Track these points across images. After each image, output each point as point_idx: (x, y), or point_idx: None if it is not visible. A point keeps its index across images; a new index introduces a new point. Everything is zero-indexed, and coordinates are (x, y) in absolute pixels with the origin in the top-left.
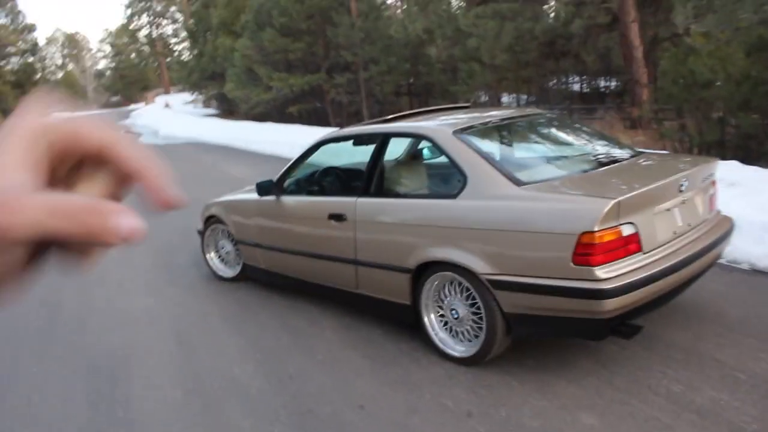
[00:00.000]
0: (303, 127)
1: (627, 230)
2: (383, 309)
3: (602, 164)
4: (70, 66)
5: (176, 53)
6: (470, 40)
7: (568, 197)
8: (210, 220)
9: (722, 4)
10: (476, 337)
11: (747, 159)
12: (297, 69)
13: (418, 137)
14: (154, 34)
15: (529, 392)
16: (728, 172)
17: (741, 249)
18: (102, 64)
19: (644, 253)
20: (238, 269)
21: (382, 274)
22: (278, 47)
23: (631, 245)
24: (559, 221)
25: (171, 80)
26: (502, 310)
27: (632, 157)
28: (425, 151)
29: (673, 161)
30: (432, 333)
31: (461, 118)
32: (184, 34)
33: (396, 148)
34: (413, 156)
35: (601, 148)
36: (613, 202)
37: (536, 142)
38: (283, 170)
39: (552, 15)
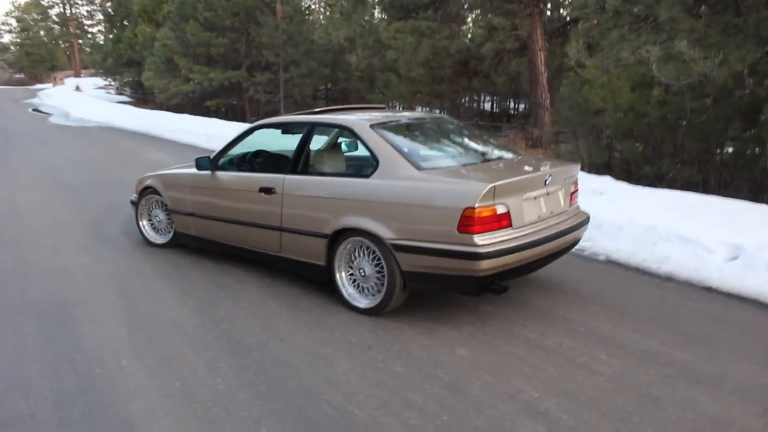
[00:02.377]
0: (221, 121)
1: (501, 209)
2: (302, 269)
3: (488, 160)
4: None
5: (89, 36)
6: (389, 52)
7: (456, 180)
8: (145, 191)
9: (607, 43)
10: (378, 291)
11: (629, 180)
12: (218, 64)
13: (340, 128)
14: (68, 12)
15: (418, 334)
16: (601, 184)
17: (599, 244)
18: (6, 38)
19: (513, 229)
20: (169, 236)
21: (303, 239)
22: (201, 41)
23: (503, 221)
24: (448, 198)
25: (83, 63)
26: (401, 269)
27: (514, 156)
28: (343, 145)
29: (545, 162)
30: (342, 288)
31: (378, 115)
32: (99, 16)
33: (320, 138)
34: (334, 144)
35: (490, 149)
36: (490, 185)
37: (438, 140)
38: (220, 149)
39: (468, 36)
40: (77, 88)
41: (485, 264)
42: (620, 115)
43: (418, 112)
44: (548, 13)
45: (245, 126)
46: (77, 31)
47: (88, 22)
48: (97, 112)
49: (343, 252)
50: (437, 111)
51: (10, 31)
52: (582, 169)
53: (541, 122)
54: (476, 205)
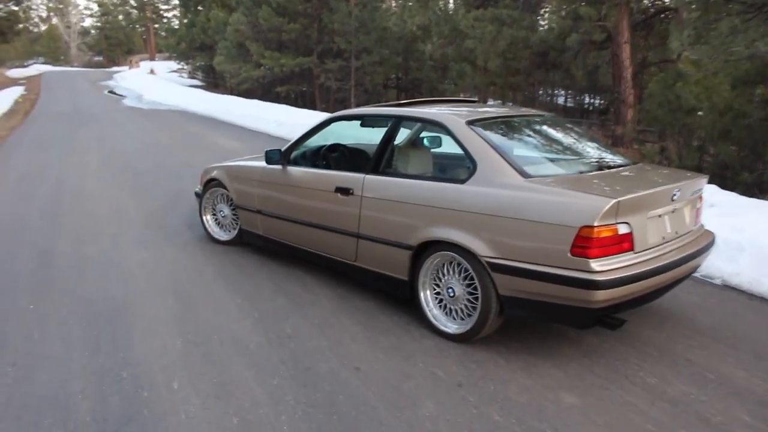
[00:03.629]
0: (291, 107)
1: (623, 229)
2: (380, 282)
3: (602, 168)
4: (54, 20)
5: (165, 20)
6: (467, 41)
7: (571, 192)
8: (210, 183)
9: (716, 35)
10: (469, 315)
11: (722, 187)
12: (289, 50)
13: (432, 124)
14: None
15: (515, 370)
16: (709, 194)
17: (715, 265)
18: (88, 22)
19: (635, 253)
20: (233, 234)
21: (383, 249)
22: (272, 26)
23: (624, 243)
24: (561, 214)
25: (157, 47)
26: (498, 292)
27: (631, 165)
28: (425, 140)
29: (668, 173)
30: (426, 309)
31: (472, 110)
32: (175, 1)
33: (403, 133)
34: (422, 141)
35: (601, 154)
36: (613, 201)
37: (543, 141)
38: (292, 142)
39: (546, 26)
40: (151, 72)
41: (602, 294)
42: (717, 114)
43: (514, 108)
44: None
45: (316, 115)
46: (153, 16)
47: (164, 7)
48: (168, 96)
49: (430, 267)
50: (510, 104)
51: (91, 16)
52: None
53: (624, 119)
54: (595, 224)
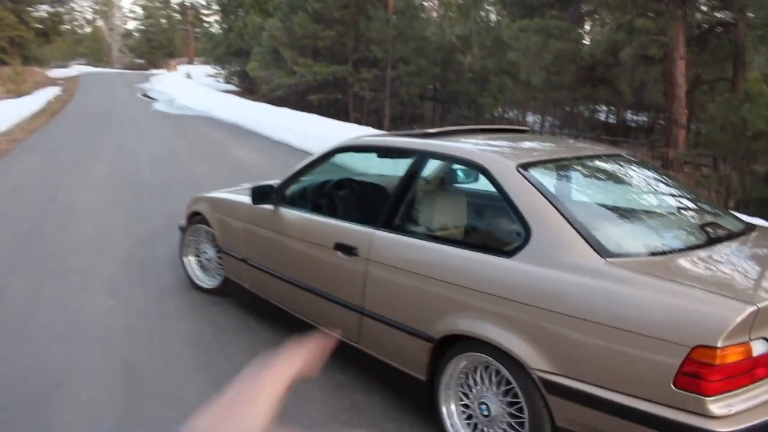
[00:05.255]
0: (320, 117)
1: (759, 348)
2: (388, 376)
3: (714, 239)
4: (99, 22)
5: (206, 24)
6: (510, 53)
7: (680, 289)
8: (194, 218)
9: None
10: None
11: None
12: (323, 57)
13: (468, 165)
14: (187, 2)
15: None
16: None
17: None
18: (131, 25)
19: None
20: (218, 280)
21: (394, 334)
22: (308, 32)
23: (759, 369)
24: (663, 322)
25: (196, 51)
26: (554, 422)
27: (747, 231)
28: (459, 187)
29: None
30: (449, 427)
31: (525, 147)
32: (216, 6)
33: (434, 174)
34: (454, 188)
35: (705, 213)
36: (751, 309)
37: (624, 194)
38: (288, 176)
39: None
40: (188, 76)
41: None
42: None
43: (579, 143)
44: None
45: (347, 126)
46: (195, 20)
47: (206, 12)
48: (200, 101)
49: (457, 370)
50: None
51: (135, 18)
52: (726, 203)
53: (675, 141)
54: (719, 344)
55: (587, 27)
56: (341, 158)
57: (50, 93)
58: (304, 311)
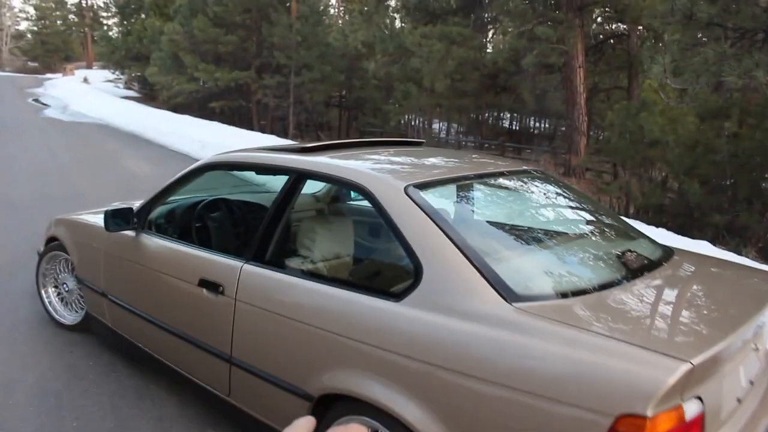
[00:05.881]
0: (222, 125)
1: (691, 409)
2: None
3: (633, 270)
4: None
5: (105, 27)
6: (413, 60)
7: (600, 343)
8: (51, 244)
9: (701, 62)
10: None
11: (684, 228)
12: (225, 63)
13: (349, 187)
14: (84, 3)
15: None
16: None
17: None
18: (23, 26)
19: None
20: (81, 315)
21: (267, 389)
22: (208, 37)
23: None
24: (582, 385)
25: (95, 55)
26: None
27: (667, 258)
28: (342, 212)
29: (744, 279)
30: None
31: (419, 163)
32: (115, 9)
33: (313, 197)
34: (341, 215)
35: (619, 237)
36: (685, 367)
37: (533, 221)
38: (151, 197)
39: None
40: (85, 80)
41: None
42: (683, 149)
43: (482, 158)
44: (592, 26)
45: (247, 135)
46: (92, 23)
47: (104, 14)
48: (96, 107)
49: None
50: (455, 126)
51: (27, 19)
52: (626, 211)
53: (577, 148)
54: (649, 413)
55: (490, 35)
56: (214, 176)
57: None
58: (171, 357)
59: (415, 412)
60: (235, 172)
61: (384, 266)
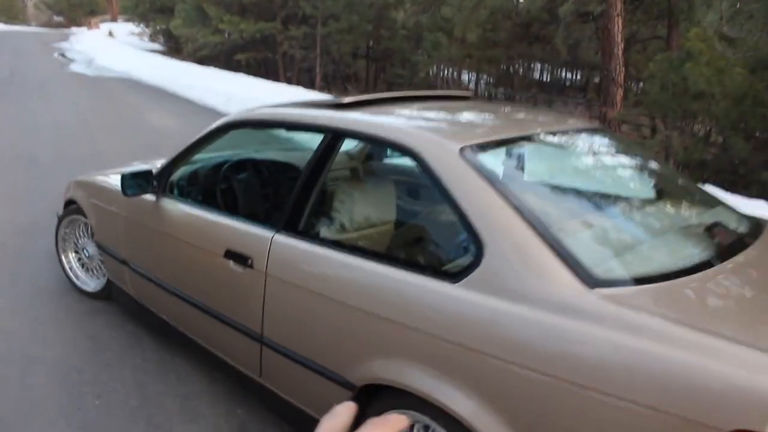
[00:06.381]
0: (248, 78)
1: None
2: (302, 423)
3: (726, 247)
4: None
5: None
6: (444, 9)
7: (706, 342)
8: (69, 208)
9: (763, 7)
10: None
11: (731, 185)
12: (250, 14)
13: (395, 148)
14: None
15: None
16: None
17: None
18: None
19: None
20: (103, 282)
21: (303, 373)
22: None
23: None
24: (683, 392)
25: (120, 8)
26: None
27: (758, 232)
28: (385, 175)
29: None
30: None
31: (471, 120)
32: None
33: (352, 159)
34: (385, 180)
35: (702, 207)
36: None
37: (605, 187)
38: (172, 157)
39: None
40: (110, 34)
41: None
42: (731, 102)
43: (539, 113)
44: None
45: (276, 88)
46: None
47: None
48: (121, 61)
49: None
50: (484, 78)
51: None
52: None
53: (613, 100)
54: None
55: None
56: (240, 134)
57: None
58: (197, 333)
59: (470, 406)
60: (263, 130)
61: (437, 240)
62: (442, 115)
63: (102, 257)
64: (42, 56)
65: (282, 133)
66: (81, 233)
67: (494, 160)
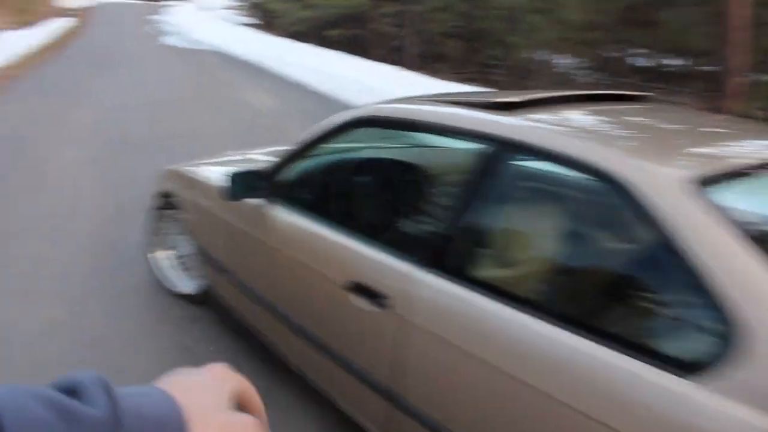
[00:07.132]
0: (341, 55)
1: None
2: None
3: None
4: None
5: None
6: None
7: None
8: (164, 200)
9: None
10: None
11: None
12: None
13: (590, 174)
14: None
15: None
16: None
17: None
18: None
19: None
20: (198, 286)
21: None
22: None
23: None
24: None
25: None
26: None
27: None
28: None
29: None
30: None
31: (681, 137)
32: None
33: (524, 180)
34: (574, 211)
35: None
36: None
37: None
38: (285, 157)
39: None
40: (203, 7)
41: None
42: None
43: (739, 121)
44: None
45: (379, 69)
46: None
47: None
48: (213, 35)
49: None
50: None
51: None
52: None
53: (734, 91)
54: None
55: None
56: (364, 134)
57: (56, 25)
58: (312, 370)
59: None
60: (400, 131)
61: (658, 308)
62: (641, 126)
63: (198, 260)
64: (135, 29)
65: (424, 135)
66: (174, 229)
67: (746, 200)
